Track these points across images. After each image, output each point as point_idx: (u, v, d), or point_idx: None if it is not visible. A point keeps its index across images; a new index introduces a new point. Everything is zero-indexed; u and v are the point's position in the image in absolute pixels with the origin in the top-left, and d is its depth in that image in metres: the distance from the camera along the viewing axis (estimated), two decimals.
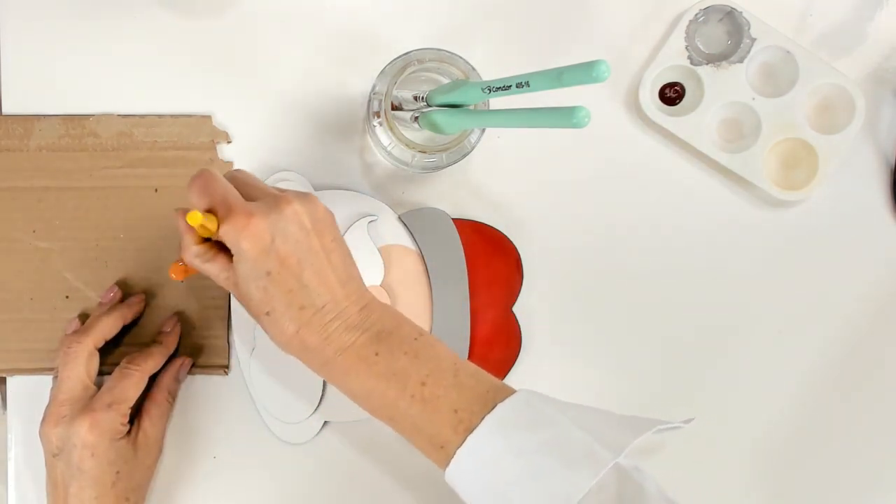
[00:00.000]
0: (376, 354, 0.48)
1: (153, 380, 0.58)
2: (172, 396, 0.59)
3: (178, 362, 0.60)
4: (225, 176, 0.50)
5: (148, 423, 0.57)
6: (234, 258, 0.48)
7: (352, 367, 0.48)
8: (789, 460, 0.64)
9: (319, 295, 0.48)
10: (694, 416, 0.50)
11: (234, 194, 0.48)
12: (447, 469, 0.46)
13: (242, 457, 0.61)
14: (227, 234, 0.47)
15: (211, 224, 0.47)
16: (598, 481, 0.43)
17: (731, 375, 0.63)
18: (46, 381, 0.57)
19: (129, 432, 0.56)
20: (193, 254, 0.49)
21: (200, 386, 0.61)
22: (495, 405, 0.46)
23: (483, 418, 0.45)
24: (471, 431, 0.45)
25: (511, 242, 0.62)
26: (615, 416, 0.48)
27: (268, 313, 0.48)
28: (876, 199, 0.64)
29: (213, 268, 0.49)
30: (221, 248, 0.49)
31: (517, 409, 0.46)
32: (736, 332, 0.64)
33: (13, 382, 0.60)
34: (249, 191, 0.50)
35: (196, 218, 0.45)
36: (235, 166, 0.61)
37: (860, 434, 0.64)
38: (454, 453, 0.46)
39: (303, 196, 0.49)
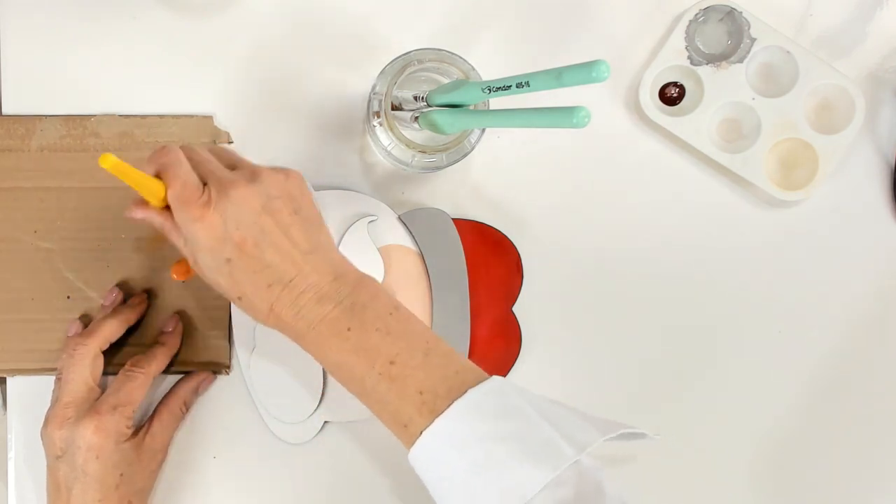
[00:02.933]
0: (348, 329, 0.48)
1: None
2: (187, 407, 0.60)
3: (201, 376, 0.60)
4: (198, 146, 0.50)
5: (158, 426, 0.57)
6: (194, 249, 0.48)
7: (324, 341, 0.48)
8: (790, 460, 0.64)
9: (285, 271, 0.48)
10: (660, 434, 0.50)
11: (192, 183, 0.48)
12: (410, 451, 0.46)
13: (242, 457, 0.61)
14: (183, 224, 0.48)
15: (157, 192, 0.48)
16: (556, 477, 0.43)
17: (731, 375, 0.63)
18: (47, 381, 0.57)
19: (134, 435, 0.56)
20: (158, 223, 0.50)
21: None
22: (466, 390, 0.46)
23: (451, 403, 0.45)
24: (436, 414, 0.45)
25: (511, 242, 0.62)
26: (586, 415, 0.48)
27: (240, 298, 0.49)
28: (876, 199, 0.64)
29: (176, 238, 0.50)
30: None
31: (487, 396, 0.46)
32: (736, 332, 0.64)
33: (13, 382, 0.60)
34: (203, 169, 0.49)
35: (108, 161, 0.45)
36: None
37: (861, 434, 0.64)
38: (419, 434, 0.45)
39: (254, 176, 0.49)
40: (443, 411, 0.45)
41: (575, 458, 0.44)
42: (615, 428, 0.47)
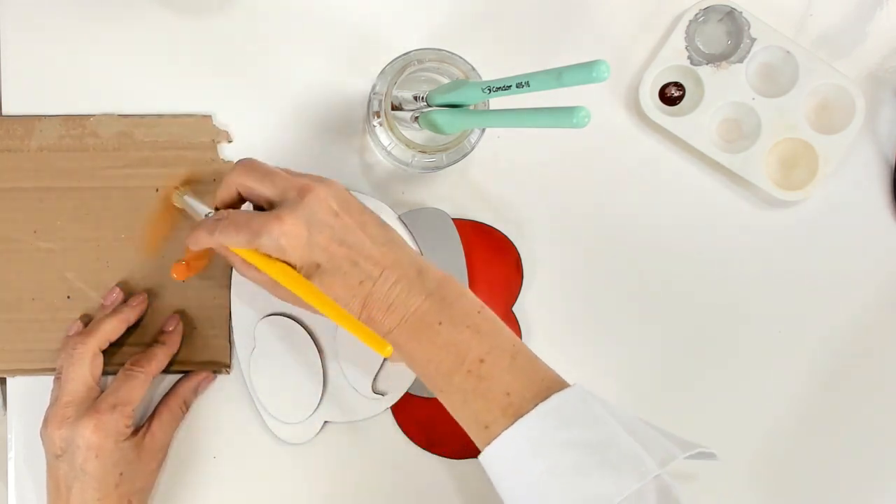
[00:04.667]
0: (440, 324, 0.48)
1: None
2: (187, 406, 0.60)
3: (201, 375, 0.60)
4: (237, 170, 0.50)
5: (158, 426, 0.57)
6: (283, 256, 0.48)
7: (414, 335, 0.48)
8: (790, 460, 0.64)
9: (372, 267, 0.48)
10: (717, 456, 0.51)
11: (254, 215, 0.48)
12: (486, 449, 0.46)
13: (242, 457, 0.61)
14: (267, 246, 0.47)
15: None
16: (639, 488, 0.43)
17: (731, 375, 0.63)
18: (47, 381, 0.58)
19: (133, 434, 0.56)
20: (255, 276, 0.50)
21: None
22: (550, 395, 0.46)
23: (535, 406, 0.45)
24: (520, 416, 0.45)
25: (511, 242, 0.62)
26: (663, 430, 0.48)
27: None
28: (876, 199, 0.64)
29: (267, 280, 0.50)
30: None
31: (571, 403, 0.46)
32: (736, 332, 0.64)
33: (13, 382, 0.60)
34: (267, 182, 0.49)
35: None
36: None
37: (861, 433, 0.64)
38: (498, 434, 0.45)
39: (321, 179, 0.49)
40: (527, 413, 0.45)
41: (657, 471, 0.44)
42: (691, 447, 0.47)
